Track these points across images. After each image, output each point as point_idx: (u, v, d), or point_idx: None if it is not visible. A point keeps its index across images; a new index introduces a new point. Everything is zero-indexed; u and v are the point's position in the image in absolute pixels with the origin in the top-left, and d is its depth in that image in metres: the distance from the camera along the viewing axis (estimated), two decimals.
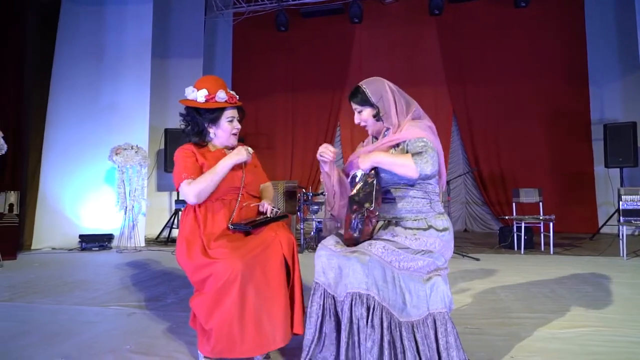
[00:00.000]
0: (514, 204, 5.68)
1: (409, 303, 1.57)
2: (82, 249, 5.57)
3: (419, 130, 1.68)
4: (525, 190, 5.59)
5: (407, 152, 1.68)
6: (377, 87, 1.78)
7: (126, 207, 5.62)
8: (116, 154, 5.44)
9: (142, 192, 5.82)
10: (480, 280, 3.56)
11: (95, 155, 5.93)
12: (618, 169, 6.31)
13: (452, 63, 8.09)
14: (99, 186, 5.99)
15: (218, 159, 1.95)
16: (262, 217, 1.92)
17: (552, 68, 7.64)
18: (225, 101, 1.97)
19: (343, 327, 1.56)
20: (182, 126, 2.07)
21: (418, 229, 1.68)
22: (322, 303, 1.66)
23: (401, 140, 1.70)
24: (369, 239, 1.67)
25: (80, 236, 5.66)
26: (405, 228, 1.69)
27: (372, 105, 1.77)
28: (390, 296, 1.55)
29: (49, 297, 3.02)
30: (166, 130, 6.76)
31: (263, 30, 8.64)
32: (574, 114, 7.48)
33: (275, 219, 1.94)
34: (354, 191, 1.68)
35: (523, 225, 5.18)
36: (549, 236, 5.06)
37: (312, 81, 8.58)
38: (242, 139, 7.16)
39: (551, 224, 5.03)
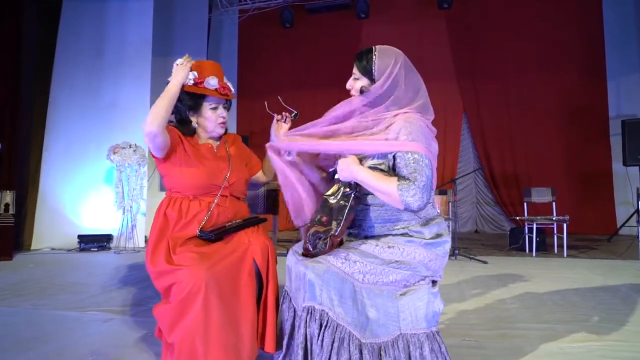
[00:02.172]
0: (525, 204, 5.41)
1: (375, 321, 1.37)
2: (81, 250, 5.49)
3: (412, 138, 1.37)
4: (538, 189, 5.33)
5: (392, 166, 1.42)
6: (387, 62, 1.48)
7: (124, 207, 5.52)
8: (114, 152, 5.34)
9: (140, 192, 5.71)
10: (486, 285, 3.34)
11: (96, 154, 5.84)
12: (637, 167, 5.97)
13: (462, 58, 7.83)
14: (99, 186, 5.91)
15: (202, 154, 1.76)
16: (233, 222, 1.74)
17: (567, 62, 7.33)
18: (215, 90, 1.76)
19: (300, 344, 1.38)
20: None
21: (394, 235, 1.47)
22: (291, 314, 1.49)
23: (388, 152, 1.42)
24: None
25: (79, 236, 5.58)
26: (378, 236, 1.49)
27: (372, 79, 1.51)
28: (349, 313, 1.36)
29: (33, 301, 2.90)
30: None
31: (268, 28, 8.50)
32: (591, 110, 7.16)
33: (252, 223, 1.76)
34: (330, 191, 1.49)
35: (535, 226, 4.93)
36: (563, 238, 4.79)
37: (318, 78, 8.39)
38: (247, 137, 6.90)
39: (565, 225, 4.76)
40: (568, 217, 4.80)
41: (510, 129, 7.58)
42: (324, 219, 1.43)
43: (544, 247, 5.10)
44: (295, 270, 1.49)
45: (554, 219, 4.93)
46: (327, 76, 8.31)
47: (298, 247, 1.59)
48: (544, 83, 7.39)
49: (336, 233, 1.39)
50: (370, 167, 1.44)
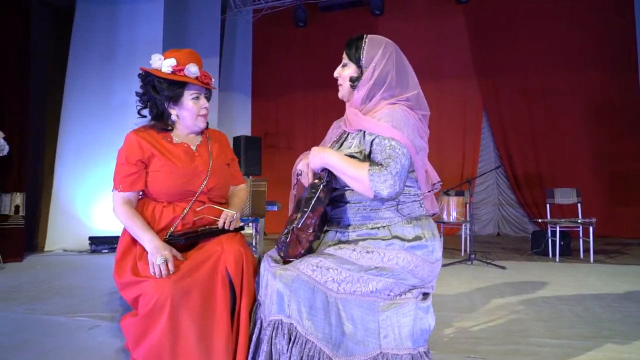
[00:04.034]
0: (547, 206, 5.10)
1: (352, 337, 1.21)
2: (92, 251, 5.48)
3: (394, 125, 1.26)
4: (561, 190, 5.02)
5: (369, 152, 1.30)
6: (375, 51, 1.38)
7: None
8: None
9: None
10: (501, 293, 3.10)
11: (108, 155, 5.76)
12: None
13: (481, 55, 7.53)
14: (111, 187, 5.89)
15: (176, 157, 1.61)
16: (207, 227, 1.58)
17: (594, 57, 6.93)
18: (197, 78, 1.61)
19: None
20: (139, 107, 1.69)
21: (374, 238, 1.30)
22: (259, 325, 1.34)
23: (367, 131, 1.32)
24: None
25: (90, 238, 5.57)
26: (356, 240, 1.33)
27: (360, 67, 1.40)
28: (319, 327, 1.21)
29: (25, 305, 2.84)
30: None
31: (282, 27, 8.40)
32: (620, 106, 6.75)
33: (228, 229, 1.59)
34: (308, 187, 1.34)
35: (558, 229, 4.62)
36: (589, 242, 4.48)
37: (333, 78, 8.20)
38: (260, 138, 6.75)
39: (591, 228, 4.44)
40: (594, 220, 4.48)
41: (532, 127, 7.24)
42: (293, 216, 1.29)
43: (569, 252, 4.79)
44: (265, 278, 1.35)
45: (579, 221, 4.61)
46: None
47: (273, 252, 1.44)
48: (569, 79, 7.01)
49: (299, 225, 1.26)
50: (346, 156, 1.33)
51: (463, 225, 5.22)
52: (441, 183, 1.48)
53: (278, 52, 8.62)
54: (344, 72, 1.44)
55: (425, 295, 1.39)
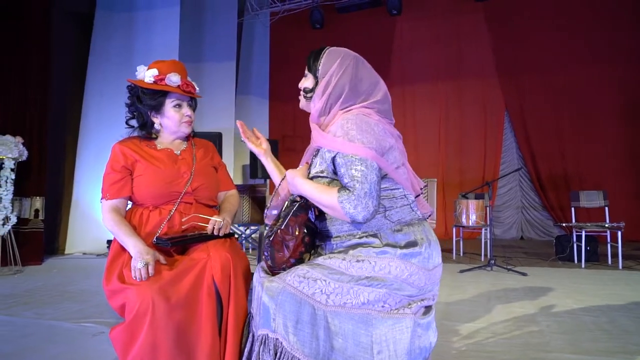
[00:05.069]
0: (572, 209, 4.87)
1: (342, 352, 1.13)
2: None
3: (349, 138, 1.18)
4: (587, 192, 4.78)
5: (333, 170, 1.23)
6: (332, 62, 1.33)
7: None
8: None
9: None
10: (521, 302, 2.94)
11: None
12: None
13: (503, 52, 7.31)
14: None
15: (159, 160, 1.60)
16: (196, 232, 1.53)
17: (624, 52, 6.62)
18: (178, 87, 1.60)
19: None
20: (127, 118, 1.72)
21: (364, 246, 1.22)
22: (250, 339, 1.27)
23: (326, 149, 1.25)
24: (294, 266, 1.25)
25: (108, 241, 5.63)
26: (346, 249, 1.24)
27: (316, 77, 1.35)
28: (306, 342, 1.13)
29: (35, 309, 2.85)
30: (196, 134, 6.62)
31: (299, 29, 8.37)
32: None
33: (218, 235, 1.53)
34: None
35: (584, 233, 4.40)
36: (617, 247, 4.24)
37: None
38: (277, 141, 6.73)
39: (619, 233, 4.21)
40: (623, 224, 4.24)
41: (557, 127, 6.97)
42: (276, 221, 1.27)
43: (596, 258, 4.56)
44: (256, 289, 1.28)
45: (606, 225, 4.38)
46: None
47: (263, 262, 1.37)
48: (596, 77, 6.72)
49: (282, 226, 1.23)
50: (313, 177, 1.28)
51: (483, 229, 5.04)
52: (426, 186, 1.41)
53: (295, 54, 8.57)
54: (304, 84, 1.41)
55: (427, 308, 1.29)
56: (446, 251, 5.54)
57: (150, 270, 1.37)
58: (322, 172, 1.26)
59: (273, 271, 1.28)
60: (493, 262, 4.18)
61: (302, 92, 1.40)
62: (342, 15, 8.02)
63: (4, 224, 4.22)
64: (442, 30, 7.65)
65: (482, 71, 7.45)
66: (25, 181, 4.77)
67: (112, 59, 6.28)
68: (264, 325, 1.18)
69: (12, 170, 4.25)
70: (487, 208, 4.91)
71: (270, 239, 1.23)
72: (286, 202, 1.31)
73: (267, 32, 8.74)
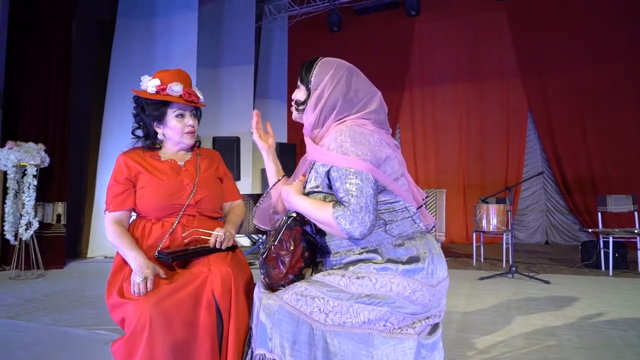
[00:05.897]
0: (599, 214, 4.67)
1: None
2: None
3: (343, 151, 1.14)
4: (614, 197, 4.58)
5: (329, 185, 1.19)
6: (324, 74, 1.28)
7: None
8: None
9: None
10: (541, 312, 2.82)
11: None
12: None
13: (526, 52, 7.12)
14: None
15: (161, 172, 1.59)
16: (198, 246, 1.51)
17: None
18: (180, 96, 1.59)
19: None
20: (133, 127, 1.72)
21: (364, 262, 1.17)
22: (249, 358, 1.24)
23: (320, 163, 1.21)
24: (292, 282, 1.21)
25: None
26: (346, 265, 1.19)
27: (308, 89, 1.31)
28: None
29: (52, 315, 2.90)
30: (214, 139, 6.68)
31: (317, 32, 8.35)
32: None
33: (221, 249, 1.50)
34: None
35: (611, 239, 4.21)
36: None
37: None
38: (295, 145, 6.74)
39: None
40: None
41: (583, 128, 6.72)
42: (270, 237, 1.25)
43: (624, 265, 4.36)
44: (256, 305, 1.25)
45: (635, 231, 4.18)
46: (377, 78, 7.78)
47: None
48: (624, 76, 6.46)
49: (275, 242, 1.20)
50: (309, 193, 1.23)
51: (504, 234, 4.89)
52: (428, 196, 1.35)
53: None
54: (297, 95, 1.37)
55: (434, 327, 1.23)
56: (466, 257, 5.41)
57: (149, 285, 1.35)
58: (317, 187, 1.21)
59: (272, 287, 1.25)
60: (514, 269, 4.04)
61: (293, 104, 1.36)
62: (360, 17, 7.96)
63: (27, 229, 4.32)
64: (462, 31, 7.50)
65: (504, 72, 7.26)
66: (48, 187, 4.89)
67: (133, 65, 6.38)
68: (261, 345, 1.15)
69: (34, 176, 4.36)
70: (509, 213, 4.77)
71: (264, 256, 1.20)
72: (283, 218, 1.27)
73: (285, 36, 8.76)
